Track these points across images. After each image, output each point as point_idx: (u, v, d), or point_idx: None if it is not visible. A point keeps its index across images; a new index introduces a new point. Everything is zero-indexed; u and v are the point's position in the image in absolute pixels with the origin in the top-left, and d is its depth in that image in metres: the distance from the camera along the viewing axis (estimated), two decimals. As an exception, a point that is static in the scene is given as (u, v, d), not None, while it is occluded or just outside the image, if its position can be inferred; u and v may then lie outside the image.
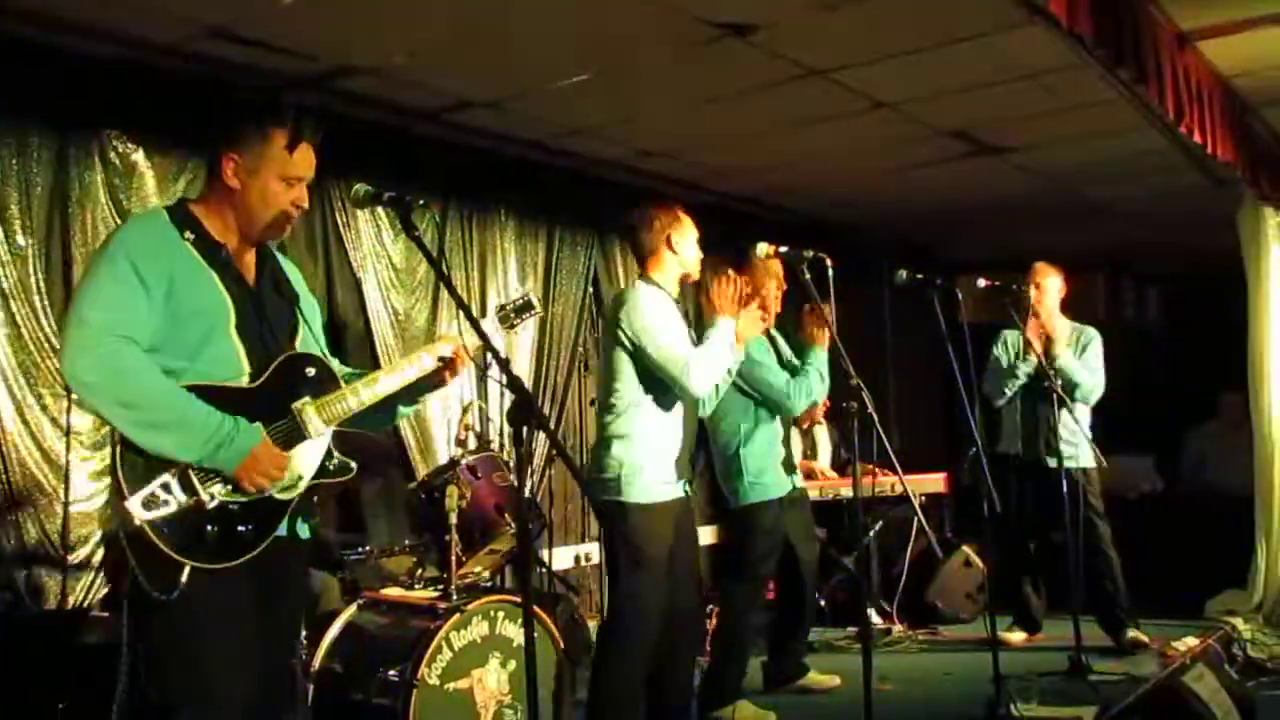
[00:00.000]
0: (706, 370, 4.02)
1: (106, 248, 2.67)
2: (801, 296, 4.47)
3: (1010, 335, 6.17)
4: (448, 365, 3.00)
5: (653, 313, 4.05)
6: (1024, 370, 5.99)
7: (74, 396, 4.65)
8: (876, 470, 6.23)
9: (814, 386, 4.88)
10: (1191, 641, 5.77)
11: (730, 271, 4.23)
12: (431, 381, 3.02)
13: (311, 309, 3.00)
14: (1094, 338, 6.13)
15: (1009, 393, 6.08)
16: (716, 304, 4.14)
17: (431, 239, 6.22)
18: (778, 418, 5.01)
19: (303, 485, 2.78)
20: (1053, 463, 5.59)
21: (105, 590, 4.73)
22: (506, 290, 6.71)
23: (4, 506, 4.52)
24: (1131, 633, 5.89)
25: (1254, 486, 6.91)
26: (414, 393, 3.03)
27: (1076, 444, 5.83)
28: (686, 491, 4.19)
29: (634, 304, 4.08)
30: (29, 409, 4.62)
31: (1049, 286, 6.10)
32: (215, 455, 2.58)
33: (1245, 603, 6.72)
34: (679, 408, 4.14)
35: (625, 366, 4.08)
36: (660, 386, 4.05)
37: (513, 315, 3.21)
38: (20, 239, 4.63)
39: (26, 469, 4.60)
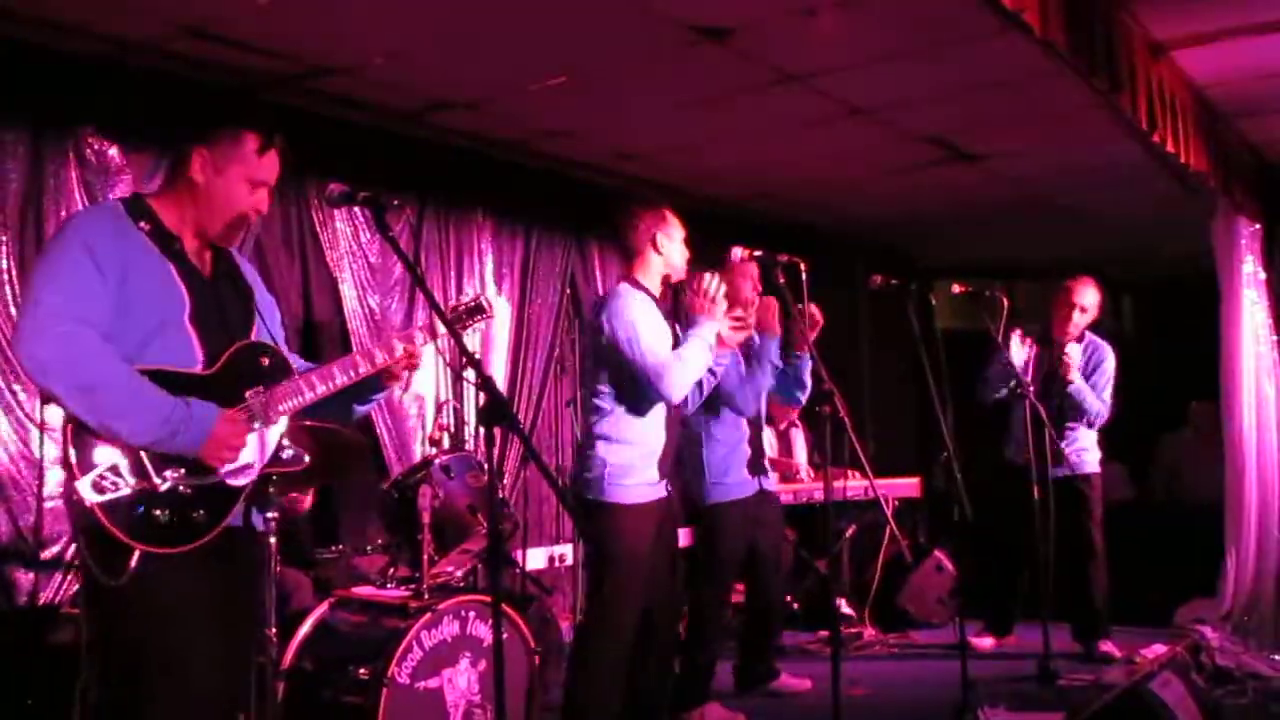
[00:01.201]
0: (682, 374, 4.02)
1: (61, 234, 2.69)
2: (778, 300, 4.49)
3: (1005, 357, 6.00)
4: (399, 365, 2.99)
5: (634, 316, 4.05)
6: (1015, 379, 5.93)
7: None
8: (849, 474, 6.28)
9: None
10: (1160, 649, 5.80)
11: (708, 273, 4.24)
12: (380, 383, 3.02)
13: (269, 306, 3.01)
14: (1106, 356, 6.07)
15: (1003, 393, 6.04)
16: (694, 305, 4.14)
17: (407, 239, 6.22)
18: (743, 418, 4.99)
19: (254, 472, 2.78)
20: (1056, 472, 5.60)
21: (76, 587, 4.70)
22: (483, 290, 6.70)
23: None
24: (1104, 645, 5.92)
25: (1225, 496, 6.96)
26: (365, 391, 3.03)
27: (1084, 450, 5.83)
28: (669, 491, 4.20)
29: (615, 306, 4.09)
30: (5, 404, 4.60)
31: (1091, 305, 6.02)
32: (173, 440, 2.58)
33: (1214, 611, 6.76)
34: (661, 408, 4.14)
35: (607, 368, 4.09)
36: (642, 388, 4.05)
37: (464, 317, 3.21)
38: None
39: (1, 463, 4.58)
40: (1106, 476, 6.31)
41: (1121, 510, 8.25)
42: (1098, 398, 5.96)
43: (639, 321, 4.04)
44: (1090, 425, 5.97)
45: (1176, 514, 8.41)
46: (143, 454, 2.58)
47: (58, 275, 2.57)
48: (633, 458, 4.05)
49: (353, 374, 2.92)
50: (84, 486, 2.52)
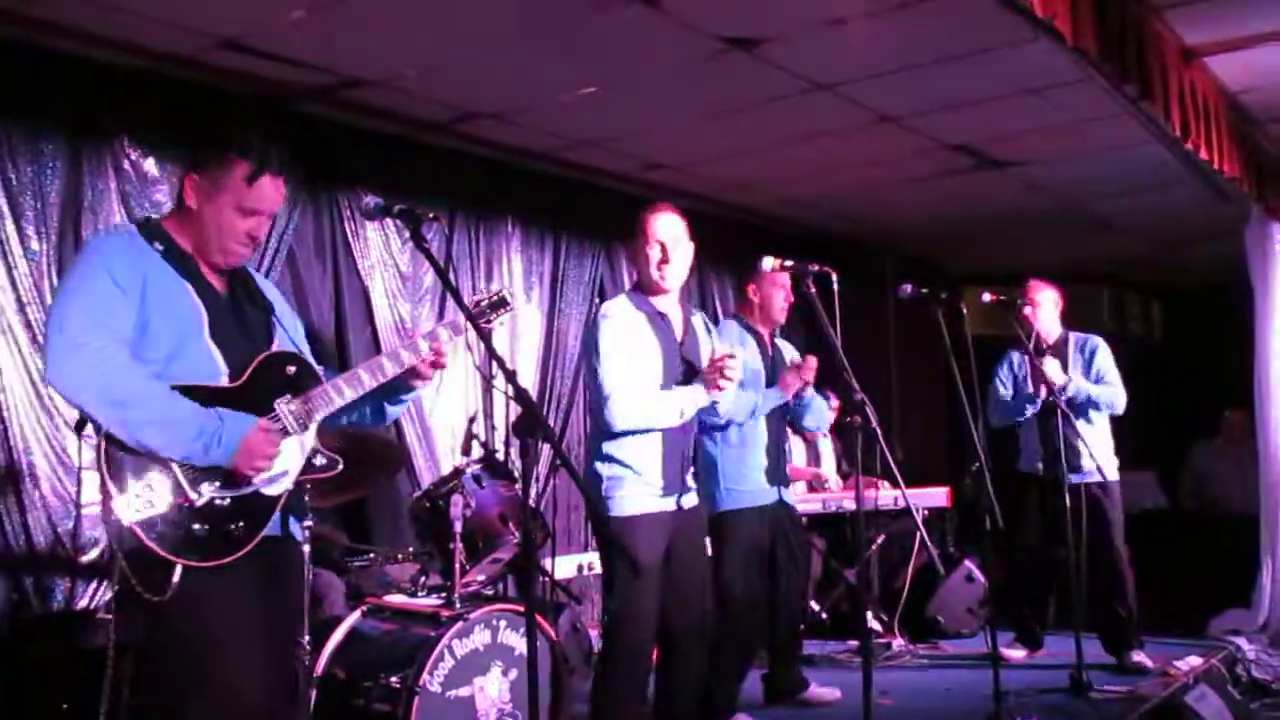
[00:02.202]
0: (634, 413, 3.88)
1: (80, 257, 2.72)
2: (805, 309, 4.48)
3: (1015, 357, 6.03)
4: (425, 365, 2.98)
5: (611, 332, 3.95)
6: (1030, 407, 5.90)
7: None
8: (879, 483, 6.26)
9: (739, 409, 4.56)
10: (1194, 661, 5.74)
11: (727, 346, 4.14)
12: (409, 384, 3.02)
13: (291, 319, 3.03)
14: (1098, 345, 6.00)
15: (1019, 421, 6.02)
16: (706, 376, 3.96)
17: (440, 250, 6.25)
18: (760, 425, 4.91)
19: (289, 481, 2.80)
20: (1074, 479, 5.53)
21: (110, 594, 4.75)
22: (512, 300, 6.72)
23: (17, 507, 4.54)
24: (1136, 655, 5.82)
25: (1259, 504, 6.88)
26: (395, 393, 3.04)
27: (1097, 459, 5.80)
28: (682, 504, 4.07)
29: (599, 319, 4.01)
30: (42, 411, 4.66)
31: (1044, 300, 5.97)
32: (206, 453, 2.60)
33: (1250, 622, 6.70)
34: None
35: (592, 393, 4.05)
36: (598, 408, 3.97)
37: (488, 310, 3.20)
38: (35, 245, 4.67)
39: (39, 470, 4.63)
40: (1138, 484, 6.26)
41: (1152, 518, 8.22)
42: (1104, 384, 5.88)
43: (612, 339, 3.94)
44: (1113, 409, 5.87)
45: (1208, 522, 8.35)
46: (178, 470, 2.60)
47: (81, 296, 2.60)
48: (626, 471, 3.96)
49: (380, 375, 2.92)
50: (121, 505, 2.55)
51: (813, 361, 4.77)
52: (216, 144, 2.78)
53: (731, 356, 3.95)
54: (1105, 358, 5.98)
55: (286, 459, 2.77)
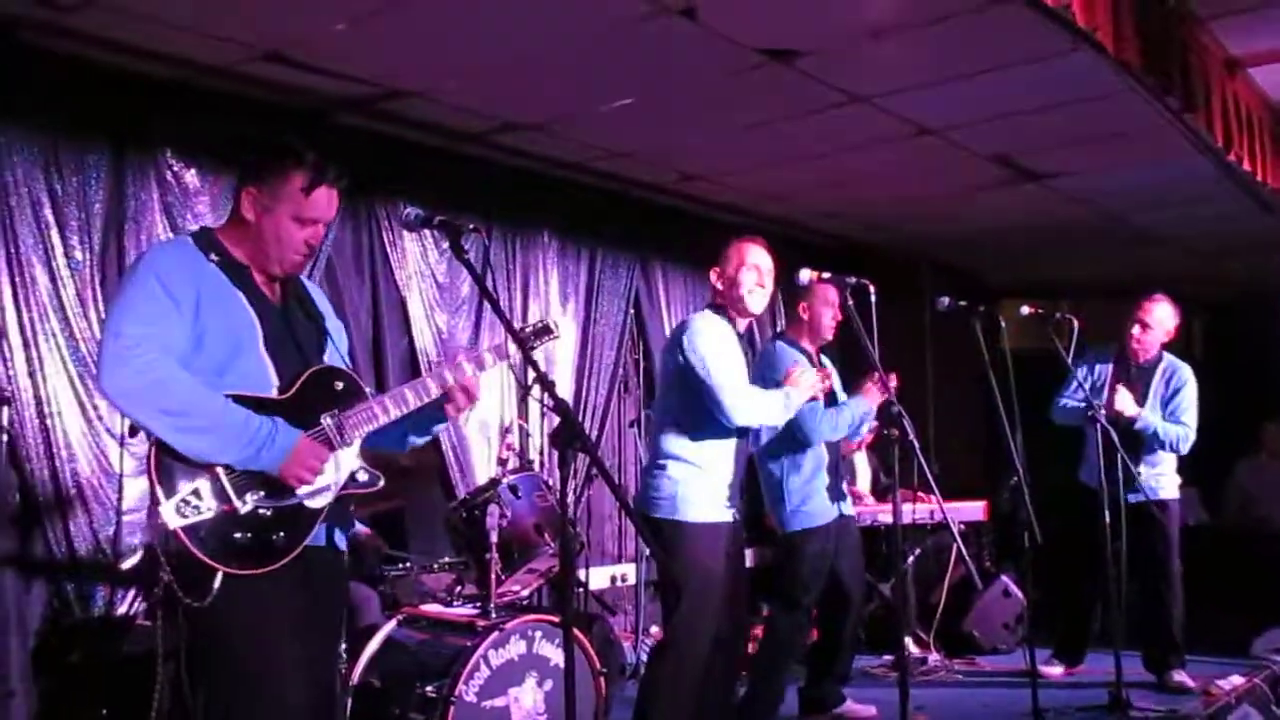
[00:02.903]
0: (750, 409, 4.11)
1: (135, 268, 2.76)
2: (843, 321, 4.48)
3: (1098, 367, 5.93)
4: (460, 397, 3.00)
5: (711, 341, 4.11)
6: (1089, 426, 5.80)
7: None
8: (915, 497, 6.22)
9: (839, 424, 4.80)
10: (1237, 680, 5.66)
11: (807, 366, 4.46)
12: (441, 414, 3.04)
13: (338, 330, 3.06)
14: (1188, 380, 5.86)
15: (1067, 423, 5.94)
16: (794, 380, 4.27)
17: (477, 260, 6.27)
18: (824, 445, 4.97)
19: (331, 495, 2.82)
20: (1132, 498, 5.42)
21: (149, 599, 4.79)
22: (548, 311, 6.75)
23: (59, 514, 4.59)
24: (1178, 674, 5.76)
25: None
26: (425, 422, 3.06)
27: (1161, 475, 5.72)
28: (736, 517, 4.21)
29: (695, 331, 4.15)
30: (84, 419, 4.70)
31: (1155, 323, 5.85)
32: (257, 457, 2.64)
33: (1294, 641, 6.61)
34: (732, 440, 4.18)
35: (682, 391, 4.12)
36: (709, 410, 4.07)
37: (533, 338, 3.24)
38: (79, 255, 4.72)
39: (82, 477, 4.68)
40: (1181, 501, 6.15)
41: (1195, 535, 8.10)
42: (1178, 422, 5.78)
43: (715, 347, 4.10)
44: (1176, 450, 5.79)
45: (1251, 540, 8.23)
46: (224, 477, 2.64)
47: (135, 307, 2.65)
48: (703, 480, 4.08)
49: (424, 395, 2.95)
50: (167, 511, 2.59)
51: (894, 378, 4.76)
52: (274, 156, 2.82)
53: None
54: (1189, 395, 5.86)
55: (330, 473, 2.80)
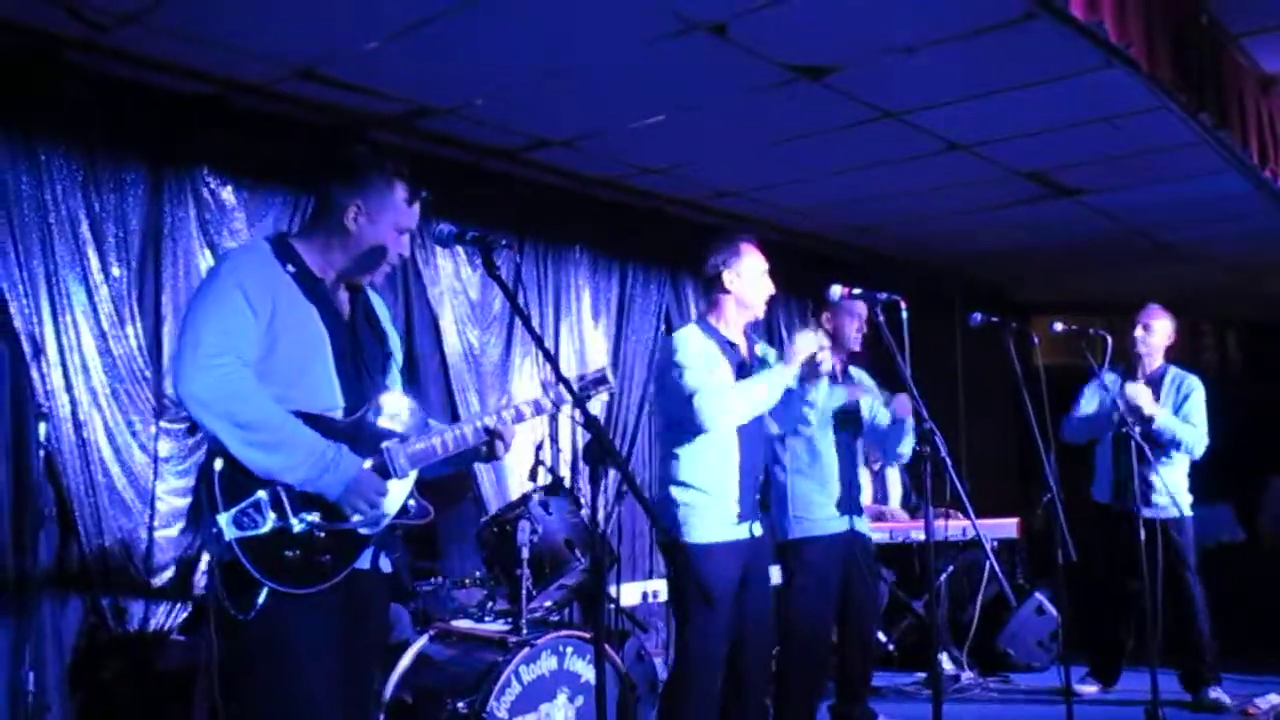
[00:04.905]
0: (724, 404, 3.92)
1: (216, 274, 2.78)
2: (875, 336, 4.45)
3: (1109, 379, 5.87)
4: (497, 437, 3.01)
5: (687, 352, 4.02)
6: (1108, 431, 5.82)
7: (162, 420, 4.80)
8: (948, 513, 6.18)
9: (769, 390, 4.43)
10: (1274, 699, 5.62)
11: (809, 329, 4.22)
12: (483, 455, 3.05)
13: (399, 348, 3.09)
14: (1195, 388, 5.90)
15: (1096, 438, 5.95)
16: (791, 350, 4.08)
17: (509, 277, 6.28)
18: (831, 453, 4.88)
19: (385, 523, 2.84)
20: (1147, 513, 5.41)
21: (184, 615, 4.83)
22: (580, 326, 6.76)
23: (95, 531, 4.63)
24: (1214, 693, 5.71)
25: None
26: (464, 460, 3.07)
27: (1172, 494, 5.70)
28: (754, 532, 4.11)
29: (673, 344, 4.07)
30: (119, 435, 4.74)
31: (1159, 328, 5.94)
32: (320, 479, 2.66)
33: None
34: (733, 446, 4.06)
35: (670, 410, 4.08)
36: (686, 418, 3.96)
37: (590, 388, 3.23)
38: (116, 272, 4.78)
39: (115, 493, 4.72)
40: (1215, 518, 6.13)
41: (1230, 552, 8.03)
42: (1189, 425, 5.79)
43: (689, 356, 4.00)
44: (1191, 454, 5.79)
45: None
46: (283, 494, 2.66)
47: (217, 314, 2.68)
48: (707, 501, 4.00)
49: (482, 436, 2.97)
50: (225, 521, 2.61)
51: (904, 399, 4.72)
52: (379, 167, 2.88)
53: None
54: (1198, 401, 5.88)
55: (387, 501, 2.82)
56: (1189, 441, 5.75)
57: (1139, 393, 5.65)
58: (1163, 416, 5.70)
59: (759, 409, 4.04)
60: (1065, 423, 6.00)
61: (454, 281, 6.12)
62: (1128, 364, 6.00)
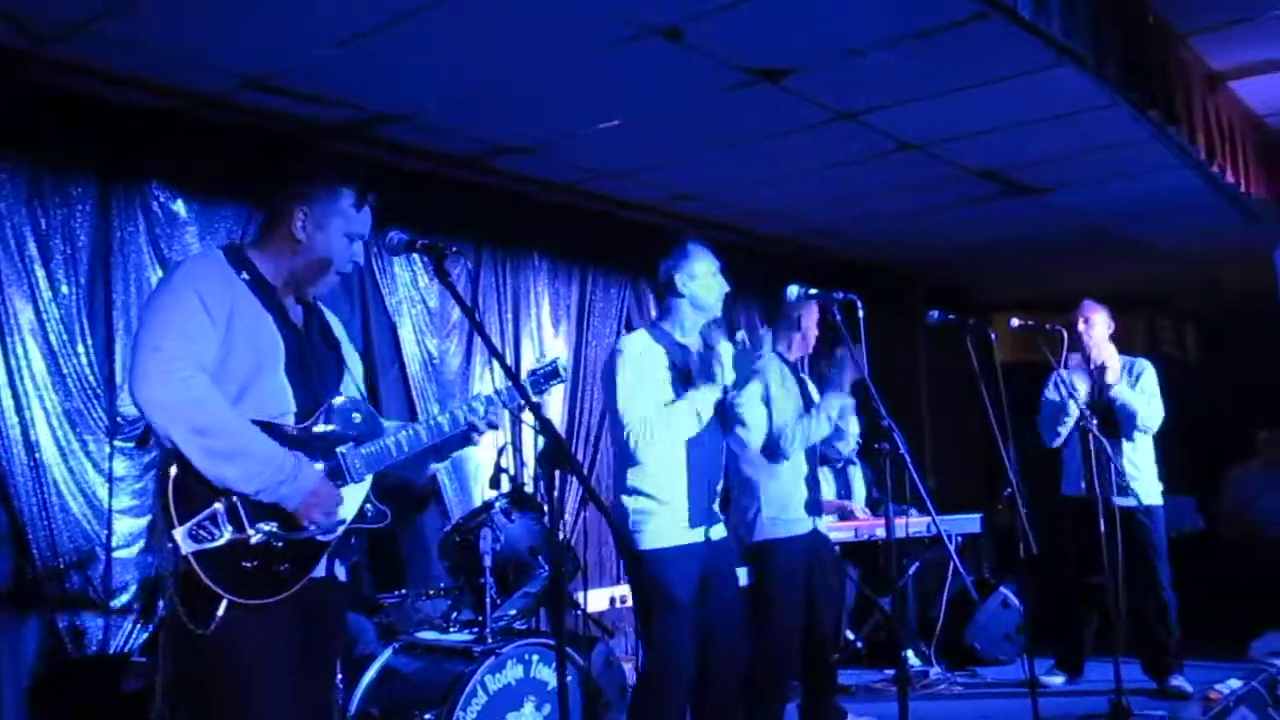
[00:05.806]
0: (647, 432, 3.90)
1: (171, 281, 2.75)
2: (833, 338, 4.47)
3: (1060, 374, 6.04)
4: (473, 427, 3.01)
5: (625, 367, 3.99)
6: (1073, 409, 5.88)
7: (116, 439, 4.74)
8: (911, 510, 6.21)
9: (812, 431, 4.69)
10: (1235, 684, 5.67)
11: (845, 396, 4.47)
12: (460, 442, 3.05)
13: (353, 359, 3.06)
14: (1146, 367, 6.07)
15: (1062, 433, 6.00)
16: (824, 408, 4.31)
17: (464, 284, 6.27)
18: (800, 456, 4.91)
19: (341, 529, 2.81)
20: (1119, 501, 5.50)
21: (145, 636, 4.76)
22: (540, 332, 6.74)
23: (51, 552, 4.56)
24: (1177, 680, 5.77)
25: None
26: (445, 449, 3.06)
27: (1142, 480, 5.76)
28: (711, 536, 4.07)
29: (614, 359, 4.04)
30: (72, 454, 4.67)
31: (1098, 320, 6.06)
32: (278, 489, 2.64)
33: (1291, 644, 6.60)
34: (681, 453, 4.02)
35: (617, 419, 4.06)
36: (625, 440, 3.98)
37: (542, 383, 3.21)
38: (64, 289, 4.71)
39: (69, 514, 4.65)
40: (1176, 508, 6.20)
41: (1191, 542, 8.10)
42: (1144, 398, 5.89)
43: (625, 372, 3.97)
44: (1148, 428, 5.87)
45: (1247, 545, 8.24)
46: (240, 505, 2.63)
47: (176, 320, 2.65)
48: (655, 505, 3.96)
49: (437, 434, 2.96)
50: (181, 534, 2.58)
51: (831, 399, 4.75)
52: (324, 175, 2.87)
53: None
54: (1150, 379, 6.02)
55: (342, 508, 2.80)
56: (1143, 413, 5.83)
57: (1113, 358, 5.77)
58: (1120, 387, 5.82)
59: (688, 431, 3.98)
60: (1039, 428, 6.07)
61: (411, 290, 6.09)
62: (1084, 357, 6.08)
